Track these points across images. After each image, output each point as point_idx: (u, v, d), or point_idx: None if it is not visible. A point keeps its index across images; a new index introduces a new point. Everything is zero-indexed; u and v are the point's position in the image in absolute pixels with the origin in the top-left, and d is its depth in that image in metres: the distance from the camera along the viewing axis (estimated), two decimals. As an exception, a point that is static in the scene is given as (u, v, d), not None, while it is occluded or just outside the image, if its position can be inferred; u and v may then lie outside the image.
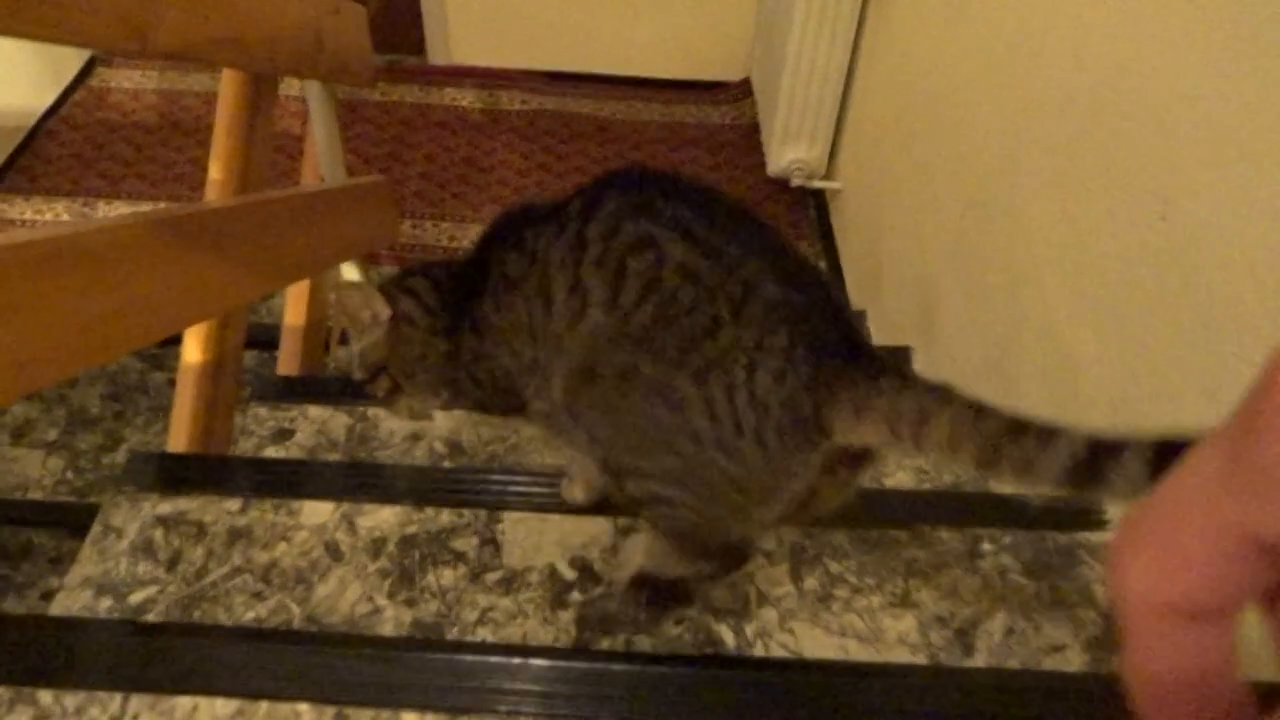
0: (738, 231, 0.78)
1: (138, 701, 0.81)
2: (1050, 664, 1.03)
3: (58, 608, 1.04)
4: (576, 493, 1.15)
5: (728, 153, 3.17)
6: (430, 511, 1.15)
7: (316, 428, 1.53)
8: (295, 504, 1.16)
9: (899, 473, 1.46)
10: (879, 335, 2.30)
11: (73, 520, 1.11)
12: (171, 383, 1.54)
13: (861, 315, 2.39)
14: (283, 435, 1.52)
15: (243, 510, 1.15)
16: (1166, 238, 1.07)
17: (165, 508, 1.15)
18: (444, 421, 1.50)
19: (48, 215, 2.83)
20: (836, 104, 2.66)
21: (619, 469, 0.86)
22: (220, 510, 1.15)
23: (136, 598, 1.06)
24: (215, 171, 1.57)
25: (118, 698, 0.81)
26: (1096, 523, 1.16)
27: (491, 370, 0.96)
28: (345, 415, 1.54)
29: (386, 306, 0.99)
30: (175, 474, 1.20)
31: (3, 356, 0.84)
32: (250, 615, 1.04)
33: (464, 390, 1.01)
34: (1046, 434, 0.63)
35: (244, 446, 1.51)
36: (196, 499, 1.16)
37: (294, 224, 1.63)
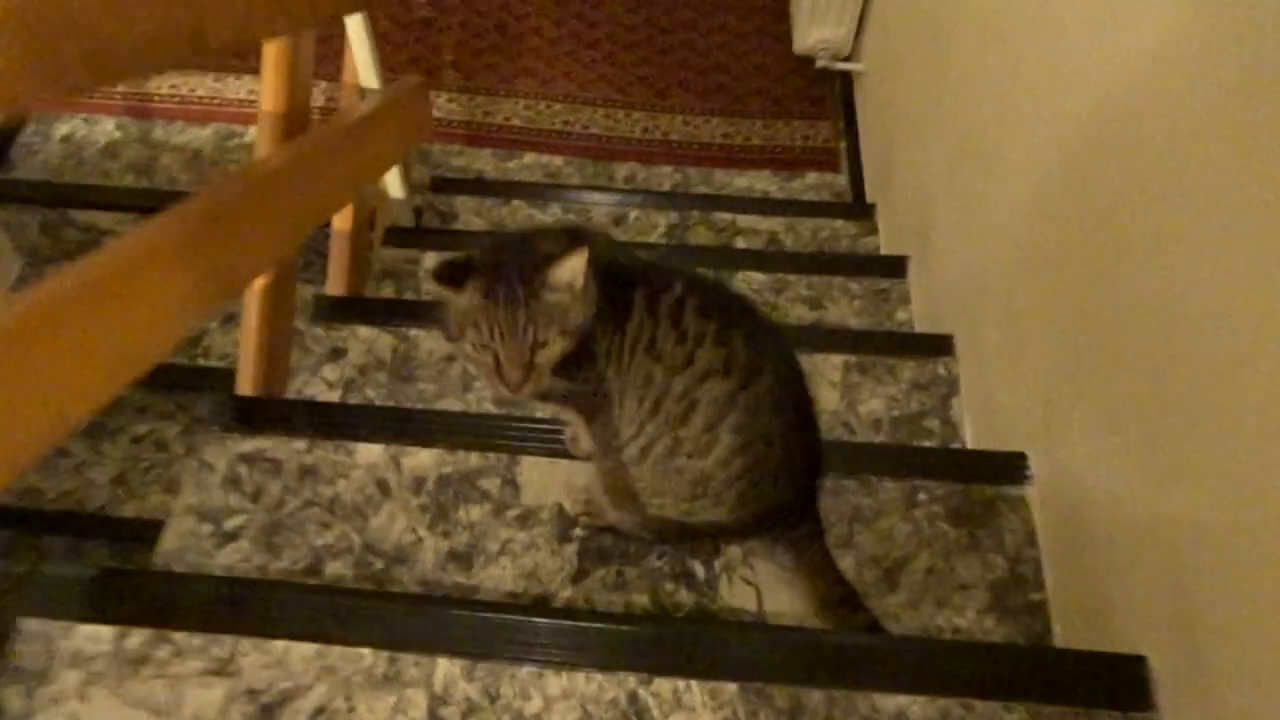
0: (810, 444, 1.19)
1: (246, 643, 1.08)
2: (958, 599, 1.27)
3: (170, 531, 1.32)
4: (579, 447, 1.37)
5: (758, 20, 3.18)
6: (462, 454, 1.39)
7: (366, 347, 1.76)
8: (351, 445, 1.40)
9: (871, 400, 1.66)
10: (886, 241, 2.39)
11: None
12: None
13: (872, 208, 2.49)
14: (337, 354, 1.76)
15: (309, 449, 1.40)
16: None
17: (246, 446, 1.40)
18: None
19: None
20: (865, -20, 2.65)
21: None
22: (290, 449, 1.40)
23: (230, 524, 1.33)
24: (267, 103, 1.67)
25: (228, 640, 1.09)
26: (1020, 477, 1.36)
27: (601, 378, 1.11)
28: (390, 336, 1.76)
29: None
30: (249, 416, 1.44)
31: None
32: (320, 542, 1.31)
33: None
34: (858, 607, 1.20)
35: (306, 363, 1.75)
36: (270, 438, 1.40)
37: (333, 160, 1.77)
